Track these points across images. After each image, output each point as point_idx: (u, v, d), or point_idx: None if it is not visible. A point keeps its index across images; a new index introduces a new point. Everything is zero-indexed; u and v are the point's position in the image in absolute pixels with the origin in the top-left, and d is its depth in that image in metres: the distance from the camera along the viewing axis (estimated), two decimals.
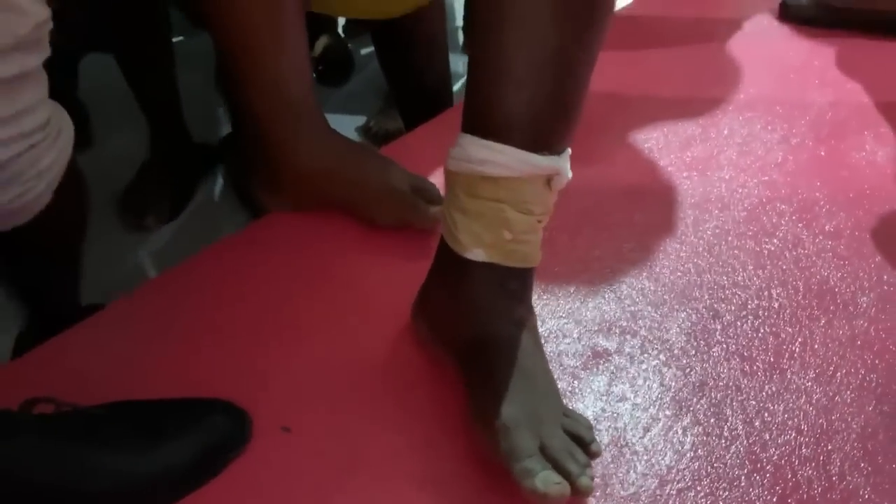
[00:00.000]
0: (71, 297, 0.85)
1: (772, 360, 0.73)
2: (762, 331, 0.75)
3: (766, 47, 1.27)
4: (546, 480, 0.54)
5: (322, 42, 1.53)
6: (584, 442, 0.58)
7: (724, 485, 0.62)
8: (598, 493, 0.61)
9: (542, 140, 0.59)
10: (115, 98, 1.31)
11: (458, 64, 1.45)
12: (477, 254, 0.61)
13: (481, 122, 0.60)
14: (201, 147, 1.25)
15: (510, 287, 0.62)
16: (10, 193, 0.61)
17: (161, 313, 0.74)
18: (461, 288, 0.63)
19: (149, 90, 1.14)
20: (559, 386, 0.68)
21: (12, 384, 0.57)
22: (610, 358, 0.72)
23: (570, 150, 0.63)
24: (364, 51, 1.65)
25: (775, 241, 0.86)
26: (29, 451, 0.53)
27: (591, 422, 0.65)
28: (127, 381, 0.65)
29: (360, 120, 1.42)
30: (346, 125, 1.39)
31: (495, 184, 0.60)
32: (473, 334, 0.63)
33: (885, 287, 0.81)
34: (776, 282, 0.81)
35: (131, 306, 0.75)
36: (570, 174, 0.63)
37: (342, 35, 1.61)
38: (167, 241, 1.14)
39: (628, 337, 0.74)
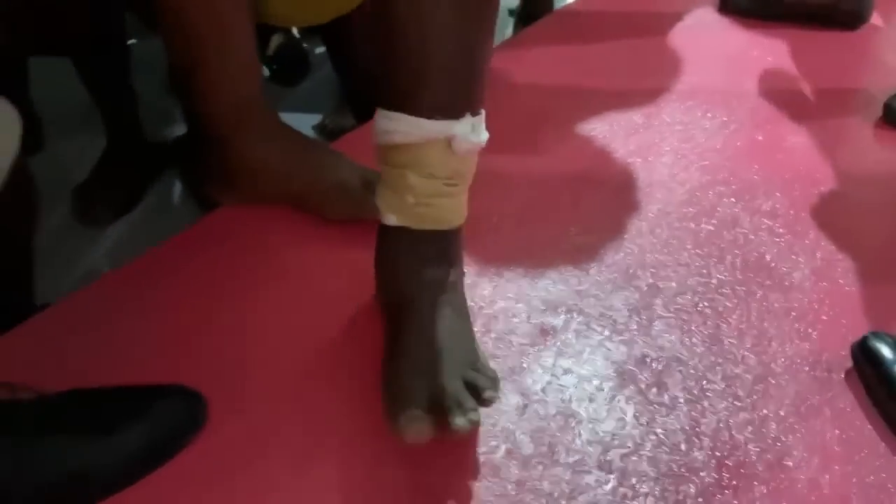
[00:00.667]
0: (25, 295, 0.85)
1: (711, 332, 0.76)
2: (701, 305, 0.79)
3: (706, 38, 1.32)
4: (409, 418, 0.57)
5: (276, 41, 1.54)
6: (479, 392, 0.60)
7: (666, 449, 0.65)
8: (544, 461, 0.63)
9: (435, 106, 0.63)
10: (68, 102, 1.31)
11: None
12: (390, 218, 0.66)
13: (384, 96, 0.65)
14: (155, 145, 1.25)
15: (421, 249, 0.66)
16: None
17: (117, 306, 0.74)
18: (382, 252, 0.68)
19: (104, 90, 1.14)
20: (508, 363, 0.71)
21: None
22: (556, 335, 0.75)
23: (480, 115, 0.66)
24: (319, 50, 1.67)
25: (714, 221, 0.90)
26: None
27: (540, 394, 0.69)
28: (83, 371, 0.66)
29: (316, 118, 1.43)
30: (303, 123, 1.40)
31: (398, 151, 0.64)
32: (390, 296, 0.68)
33: (819, 262, 0.85)
34: (714, 259, 0.85)
35: (87, 299, 0.75)
36: (476, 137, 0.65)
37: (296, 34, 1.62)
38: (121, 238, 1.14)
39: (574, 314, 0.77)
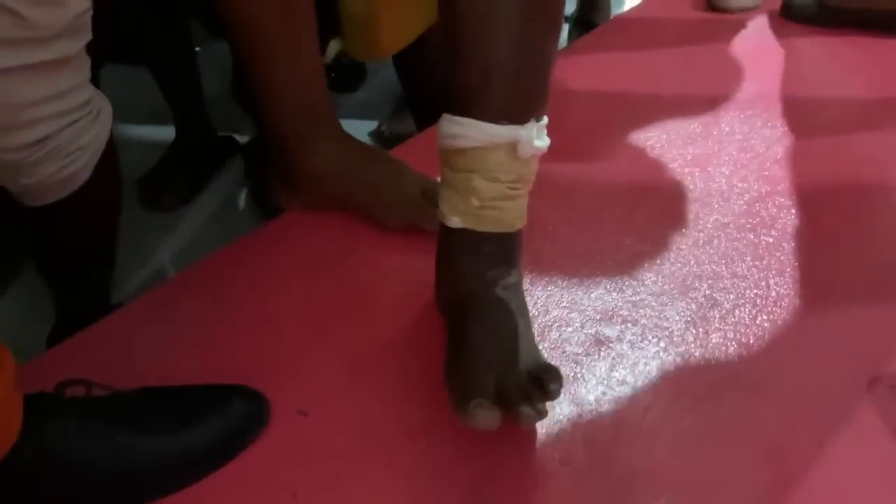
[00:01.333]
0: (103, 287, 0.89)
1: (767, 346, 0.75)
2: (759, 318, 0.78)
3: (768, 46, 1.30)
4: (477, 405, 0.58)
5: (333, 48, 1.57)
6: (544, 385, 0.61)
7: (721, 465, 0.65)
8: (598, 471, 0.64)
9: (502, 112, 0.64)
10: (135, 110, 1.37)
11: None
12: (454, 221, 0.67)
13: (451, 100, 0.66)
14: (219, 139, 1.31)
15: (484, 250, 0.67)
16: (53, 166, 0.66)
17: (184, 307, 0.78)
18: (445, 254, 0.70)
19: (175, 90, 1.23)
20: (562, 371, 0.71)
21: (46, 372, 0.61)
22: (611, 345, 0.75)
23: (543, 121, 0.67)
24: None
25: (774, 232, 0.89)
26: (65, 431, 0.57)
27: (593, 404, 0.69)
28: (155, 369, 0.69)
29: (373, 124, 1.46)
30: (359, 129, 1.43)
31: (464, 155, 0.65)
32: (452, 295, 0.69)
33: (882, 276, 0.84)
34: (773, 272, 0.84)
35: (155, 301, 0.79)
36: (540, 143, 0.66)
37: None
38: (187, 241, 1.19)
39: (629, 325, 0.77)
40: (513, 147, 0.65)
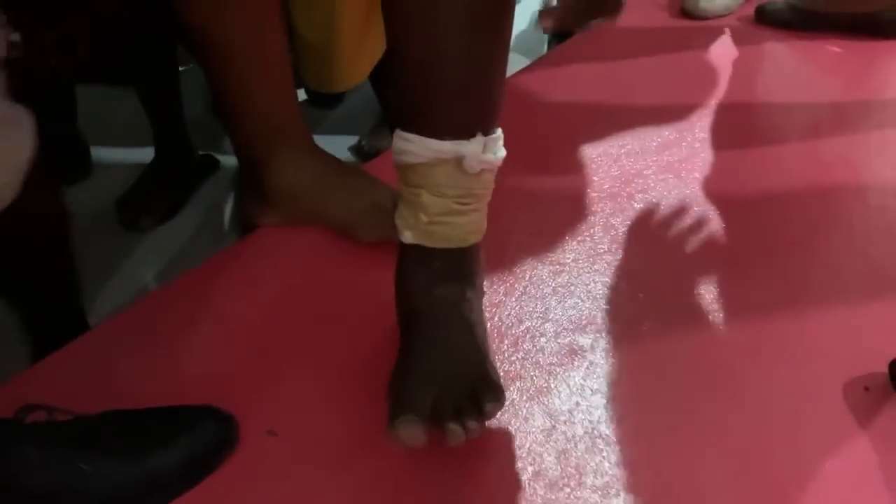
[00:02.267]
0: (72, 309, 0.88)
1: (746, 350, 0.75)
2: (734, 324, 0.78)
3: (742, 51, 1.30)
4: (403, 421, 0.59)
5: None
6: (481, 403, 0.61)
7: (697, 472, 0.64)
8: (572, 483, 0.63)
9: (445, 127, 0.63)
10: (114, 125, 1.37)
11: None
12: (406, 236, 0.67)
13: (399, 116, 0.66)
14: (201, 157, 1.31)
15: (434, 266, 0.66)
16: None
17: (153, 327, 0.77)
18: (400, 269, 0.69)
19: (157, 110, 1.22)
20: (535, 384, 0.71)
21: (8, 399, 0.60)
22: (585, 355, 0.74)
23: (495, 134, 0.66)
24: None
25: (749, 237, 0.89)
26: (25, 458, 0.56)
27: (567, 415, 0.68)
28: (120, 391, 0.68)
29: (353, 140, 1.46)
30: (339, 145, 1.43)
31: (413, 170, 0.65)
32: (403, 311, 0.69)
33: (855, 278, 0.83)
34: (748, 278, 0.83)
35: (126, 321, 0.78)
36: (491, 156, 0.65)
37: None
38: (163, 252, 1.18)
39: (603, 334, 0.77)
40: (458, 162, 0.64)
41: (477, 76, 0.63)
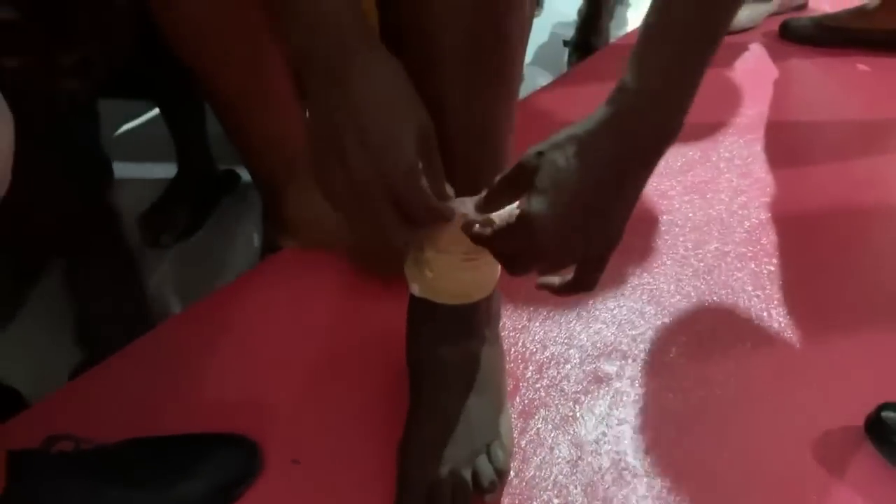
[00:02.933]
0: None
1: (771, 380, 0.74)
2: (762, 351, 0.77)
3: (766, 68, 1.29)
4: None
5: None
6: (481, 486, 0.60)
7: (727, 502, 0.63)
8: None
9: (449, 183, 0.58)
10: (135, 147, 1.38)
11: None
12: (414, 288, 0.64)
13: None
14: (223, 173, 1.32)
15: (440, 324, 0.65)
16: None
17: (175, 352, 0.77)
18: (408, 320, 0.68)
19: (181, 122, 1.23)
20: (560, 412, 0.70)
21: (35, 426, 0.61)
22: (610, 382, 0.73)
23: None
24: None
25: (775, 261, 0.88)
26: (55, 488, 0.56)
27: (593, 445, 0.67)
28: (144, 417, 0.68)
29: None
30: None
31: None
32: (411, 368, 0.68)
33: (885, 303, 0.82)
34: (775, 302, 0.82)
35: (148, 345, 0.78)
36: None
37: None
38: (184, 264, 1.18)
39: (629, 361, 0.76)
40: (463, 218, 0.59)
41: (480, 135, 0.59)
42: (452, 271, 0.62)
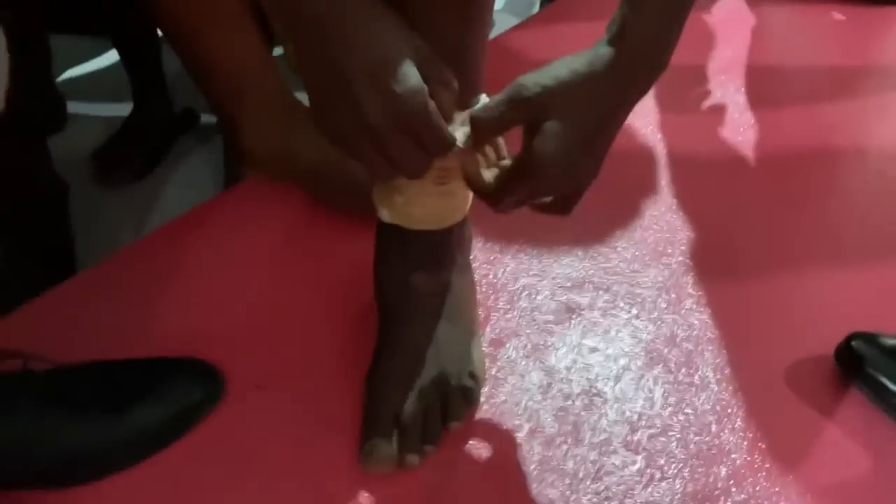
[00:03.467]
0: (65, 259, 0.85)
1: (742, 312, 0.73)
2: (732, 284, 0.76)
3: (743, 14, 1.27)
4: (370, 449, 0.58)
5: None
6: (446, 419, 0.60)
7: (695, 430, 0.63)
8: (569, 440, 0.61)
9: None
10: (89, 78, 1.32)
11: None
12: (383, 214, 0.62)
13: None
14: (181, 112, 1.27)
15: (411, 251, 0.62)
16: None
17: (134, 277, 0.74)
18: (377, 249, 0.65)
19: (136, 59, 1.18)
20: (532, 341, 0.69)
21: None
22: (582, 313, 0.72)
23: (477, 104, 0.57)
24: None
25: (745, 198, 0.87)
26: (1, 408, 0.53)
27: (564, 372, 0.66)
28: (100, 342, 0.65)
29: None
30: None
31: None
32: (380, 300, 0.65)
33: (853, 243, 0.82)
34: (747, 238, 0.82)
35: (106, 271, 0.75)
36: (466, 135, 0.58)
37: None
38: (143, 208, 1.14)
39: (601, 292, 0.75)
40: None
41: (453, 53, 0.55)
42: (424, 196, 0.59)
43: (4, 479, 0.55)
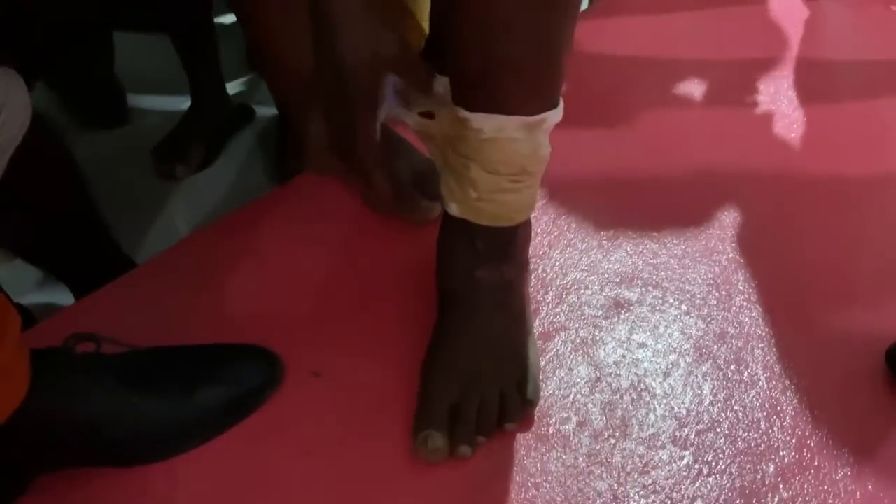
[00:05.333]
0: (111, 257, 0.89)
1: (793, 310, 0.73)
2: (784, 282, 0.76)
3: (798, 7, 1.25)
4: (424, 439, 0.59)
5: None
6: (502, 420, 0.61)
7: (744, 426, 0.63)
8: (616, 434, 0.62)
9: (495, 102, 0.58)
10: (150, 78, 1.36)
11: None
12: (452, 207, 0.63)
13: (455, 87, 0.60)
14: (237, 107, 1.31)
15: (478, 245, 0.63)
16: None
17: (197, 266, 0.76)
18: (442, 240, 0.66)
19: (193, 55, 1.22)
20: (580, 335, 0.70)
21: (57, 331, 0.60)
22: (631, 308, 0.73)
23: (555, 111, 0.60)
24: None
25: (801, 196, 0.86)
26: (71, 386, 0.56)
27: (612, 367, 0.67)
28: (168, 329, 0.68)
29: None
30: None
31: (466, 141, 0.60)
32: (443, 288, 0.67)
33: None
34: (800, 233, 0.81)
35: (171, 259, 0.78)
36: (547, 135, 0.61)
37: None
38: (199, 201, 1.18)
39: (650, 288, 0.75)
40: (516, 138, 0.59)
41: (543, 51, 0.57)
42: (497, 192, 0.61)
43: (77, 457, 0.58)
